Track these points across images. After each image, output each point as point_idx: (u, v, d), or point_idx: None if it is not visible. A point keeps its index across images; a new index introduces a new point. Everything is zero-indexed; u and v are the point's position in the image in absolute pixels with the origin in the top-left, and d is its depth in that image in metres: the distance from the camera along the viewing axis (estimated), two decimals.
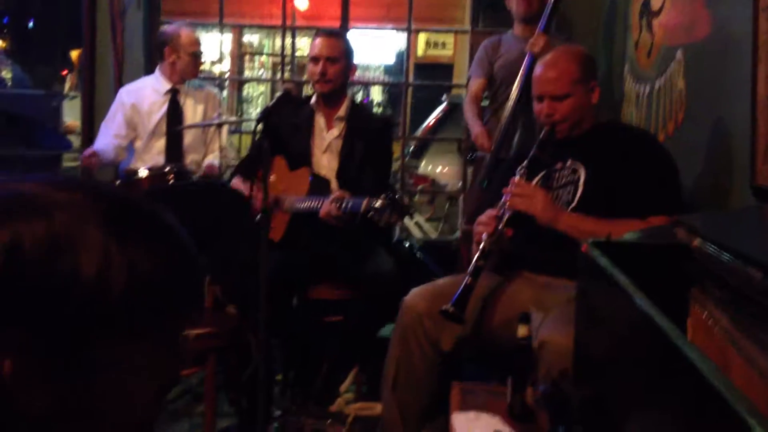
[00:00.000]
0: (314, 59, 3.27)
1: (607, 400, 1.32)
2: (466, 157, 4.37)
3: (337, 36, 3.40)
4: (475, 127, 3.61)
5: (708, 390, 0.76)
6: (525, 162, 2.56)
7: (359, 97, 10.19)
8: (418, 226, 6.05)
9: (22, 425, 0.75)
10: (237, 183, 3.40)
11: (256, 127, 2.51)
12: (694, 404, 0.82)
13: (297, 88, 3.01)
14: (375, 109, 10.44)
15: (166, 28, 4.05)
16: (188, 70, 3.85)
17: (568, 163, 2.59)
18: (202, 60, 3.90)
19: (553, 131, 2.57)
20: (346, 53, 3.31)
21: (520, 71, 3.46)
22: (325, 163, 3.35)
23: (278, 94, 2.72)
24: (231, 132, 4.46)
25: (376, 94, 10.87)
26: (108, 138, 3.84)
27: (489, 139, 3.53)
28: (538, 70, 2.61)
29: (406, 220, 5.83)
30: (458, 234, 4.34)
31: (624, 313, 1.19)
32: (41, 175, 0.91)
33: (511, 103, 3.48)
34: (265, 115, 2.47)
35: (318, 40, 3.30)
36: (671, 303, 1.36)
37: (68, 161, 5.02)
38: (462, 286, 2.35)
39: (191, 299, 0.83)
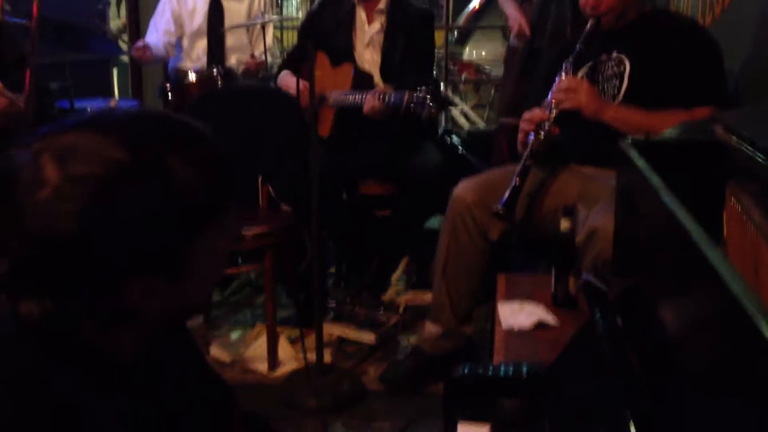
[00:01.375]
0: None
1: (643, 291, 1.39)
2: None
3: None
4: (514, 13, 3.52)
5: (726, 293, 0.83)
6: (570, 57, 2.56)
7: None
8: (464, 114, 6.04)
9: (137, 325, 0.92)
10: (285, 77, 3.45)
11: (300, 31, 2.54)
12: (714, 307, 0.90)
13: None
14: None
15: None
16: None
17: (614, 54, 2.58)
18: None
19: (599, 23, 2.55)
20: None
21: None
22: (368, 57, 3.38)
23: None
24: (275, 28, 4.47)
25: None
26: (157, 34, 3.90)
27: (528, 25, 3.45)
28: None
29: (452, 110, 5.83)
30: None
31: (657, 211, 1.24)
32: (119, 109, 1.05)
33: None
34: (309, 20, 2.50)
35: None
36: (708, 197, 1.41)
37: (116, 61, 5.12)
38: (510, 187, 2.41)
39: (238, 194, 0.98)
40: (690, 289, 1.03)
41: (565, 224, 2.06)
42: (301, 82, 3.01)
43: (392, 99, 2.95)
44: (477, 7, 6.73)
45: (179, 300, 0.93)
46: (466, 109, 6.10)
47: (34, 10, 2.61)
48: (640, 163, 1.36)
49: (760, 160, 1.27)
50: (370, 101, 3.03)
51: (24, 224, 0.83)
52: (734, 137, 1.39)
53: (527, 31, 3.45)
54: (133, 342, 0.94)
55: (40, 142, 0.86)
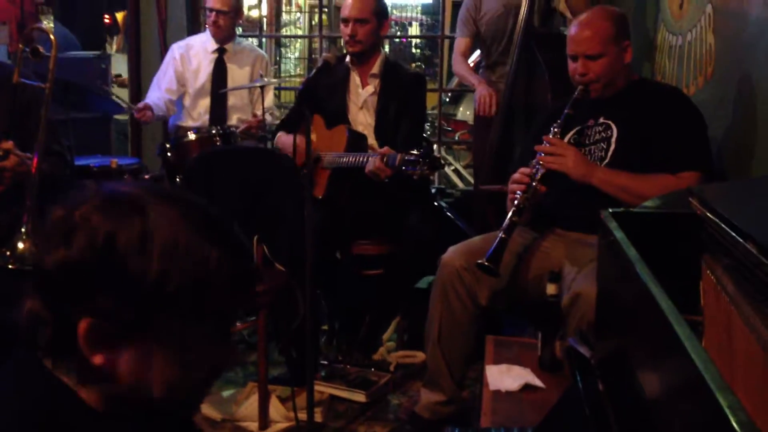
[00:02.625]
0: (344, 21, 3.36)
1: (623, 357, 1.44)
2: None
3: None
4: (480, 87, 3.61)
5: (691, 365, 0.88)
6: (559, 120, 2.64)
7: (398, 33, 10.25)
8: (456, 173, 6.14)
9: (83, 376, 0.94)
10: (281, 137, 3.54)
11: (297, 98, 2.63)
12: (681, 376, 0.95)
13: (335, 57, 3.10)
14: (413, 51, 10.49)
15: None
16: (213, 28, 3.94)
17: (601, 120, 2.66)
18: (215, 18, 3.92)
19: (587, 90, 2.63)
20: (375, 13, 3.38)
21: (523, 4, 3.48)
22: (362, 119, 3.47)
23: (319, 64, 2.83)
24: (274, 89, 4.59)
25: (414, 31, 10.89)
26: (159, 92, 4.01)
27: (495, 101, 3.53)
28: (573, 29, 2.67)
29: (446, 168, 5.92)
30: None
31: (633, 282, 1.30)
32: (145, 182, 1.10)
33: (515, 52, 3.50)
34: (306, 86, 2.60)
35: (348, 2, 3.39)
36: (687, 267, 1.47)
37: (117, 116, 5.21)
38: (496, 242, 2.46)
39: (244, 296, 1.00)
40: (662, 358, 1.09)
41: (551, 289, 2.11)
42: (298, 137, 3.08)
43: (386, 161, 3.02)
44: (476, 60, 6.88)
45: (149, 377, 0.95)
46: (460, 168, 6.19)
47: (50, 74, 2.70)
48: (619, 234, 1.43)
49: (728, 232, 1.33)
50: (373, 162, 3.08)
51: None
52: (708, 212, 1.46)
53: (494, 109, 3.53)
54: (107, 402, 0.96)
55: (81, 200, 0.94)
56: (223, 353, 1.00)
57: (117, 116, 4.94)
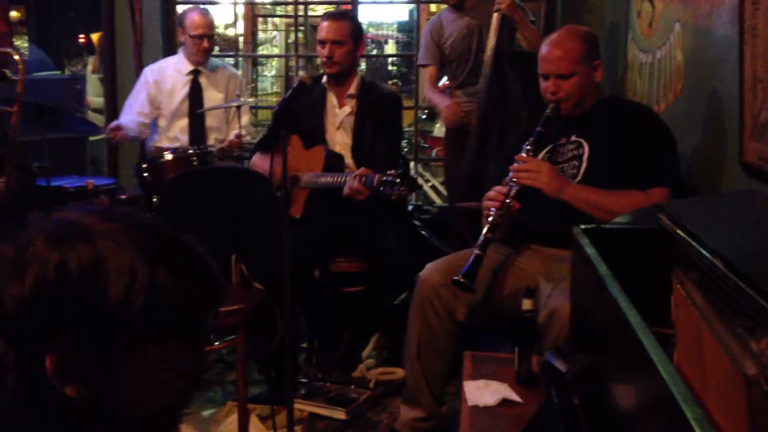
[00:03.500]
0: (321, 42, 3.40)
1: (597, 370, 1.47)
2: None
3: (343, 18, 3.51)
4: (443, 101, 3.74)
5: (658, 377, 0.91)
6: (531, 138, 2.67)
7: (374, 51, 10.32)
8: (434, 189, 6.18)
9: (58, 412, 0.94)
10: (257, 159, 3.56)
11: (274, 118, 2.65)
12: (649, 388, 0.98)
13: (311, 77, 3.14)
14: (390, 68, 10.56)
15: (183, 10, 4.17)
16: (193, 51, 3.94)
17: (572, 138, 2.70)
18: (205, 44, 3.94)
19: (558, 108, 2.68)
20: (352, 34, 3.43)
21: (492, 32, 3.54)
22: (339, 139, 3.50)
23: (294, 84, 2.86)
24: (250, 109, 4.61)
25: (391, 48, 10.97)
26: (132, 115, 4.00)
27: (458, 110, 3.66)
28: (543, 49, 2.71)
29: (423, 184, 5.96)
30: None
31: (604, 297, 1.33)
32: (92, 206, 1.09)
33: (486, 72, 3.58)
34: (282, 106, 2.62)
35: (324, 24, 3.42)
36: (657, 281, 1.51)
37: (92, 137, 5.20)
38: (471, 258, 2.48)
39: (208, 313, 1.01)
40: (631, 372, 1.11)
41: (526, 305, 2.14)
42: (275, 158, 3.09)
43: (364, 182, 3.05)
44: (446, 83, 6.94)
45: (125, 399, 0.95)
46: (437, 184, 6.24)
47: (17, 97, 2.71)
48: (590, 250, 1.46)
49: (696, 248, 1.36)
50: (350, 183, 3.09)
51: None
52: (677, 228, 1.49)
53: (461, 117, 3.64)
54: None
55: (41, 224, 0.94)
56: (194, 366, 1.01)
57: (92, 138, 4.94)
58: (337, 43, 3.38)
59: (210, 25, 3.97)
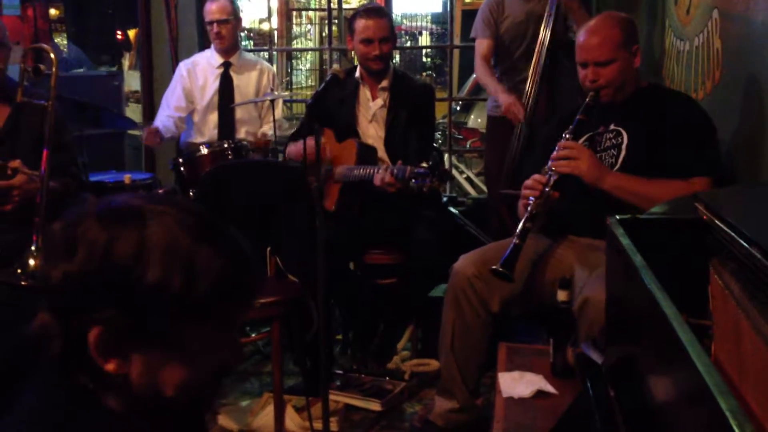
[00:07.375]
0: (367, 41, 3.40)
1: (632, 362, 1.46)
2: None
3: (384, 15, 3.53)
4: (503, 95, 3.60)
5: (694, 369, 0.90)
6: (571, 126, 2.64)
7: (408, 43, 10.33)
8: (468, 181, 6.15)
9: (98, 383, 0.98)
10: (292, 147, 3.57)
11: (308, 112, 2.66)
12: (685, 381, 0.97)
13: (344, 71, 3.14)
14: (424, 60, 10.56)
15: None
16: (217, 40, 3.96)
17: (611, 127, 2.67)
18: (216, 29, 3.95)
19: (598, 96, 2.64)
20: (392, 29, 3.48)
21: (544, 21, 3.50)
22: (372, 132, 3.51)
23: (327, 78, 2.86)
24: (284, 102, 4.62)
25: (425, 40, 10.96)
26: (169, 110, 4.05)
27: (522, 108, 3.54)
28: (581, 37, 2.68)
29: (457, 176, 5.94)
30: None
31: (639, 288, 1.31)
32: (139, 193, 1.14)
33: (539, 61, 3.53)
34: (315, 100, 2.63)
35: (370, 23, 3.41)
36: (695, 271, 1.49)
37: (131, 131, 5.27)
38: (510, 248, 2.46)
39: (244, 300, 1.03)
40: (666, 364, 1.10)
41: (562, 295, 2.13)
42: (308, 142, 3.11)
43: (396, 174, 3.05)
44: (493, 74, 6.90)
45: (160, 379, 0.99)
46: (471, 175, 6.21)
47: (52, 91, 2.76)
48: (625, 241, 1.44)
49: (733, 237, 1.34)
50: (380, 175, 3.10)
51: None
52: (715, 217, 1.47)
53: (521, 117, 3.52)
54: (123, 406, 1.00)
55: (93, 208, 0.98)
56: (230, 352, 1.04)
57: (130, 131, 5.00)
58: (384, 40, 3.40)
59: (221, 10, 3.95)
